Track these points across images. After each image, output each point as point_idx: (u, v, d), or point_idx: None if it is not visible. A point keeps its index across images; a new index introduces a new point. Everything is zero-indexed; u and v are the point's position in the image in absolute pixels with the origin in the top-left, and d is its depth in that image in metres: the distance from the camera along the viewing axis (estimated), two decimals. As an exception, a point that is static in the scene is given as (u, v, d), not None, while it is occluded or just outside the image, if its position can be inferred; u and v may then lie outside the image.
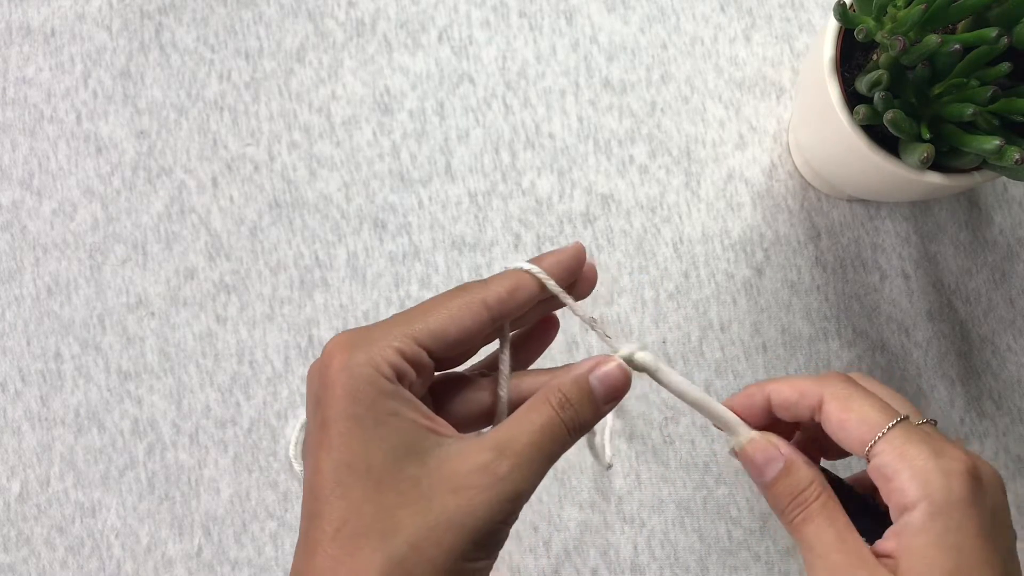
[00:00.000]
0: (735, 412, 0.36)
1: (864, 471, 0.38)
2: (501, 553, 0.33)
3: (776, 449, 0.34)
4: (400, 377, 0.32)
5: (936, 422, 0.35)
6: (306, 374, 0.54)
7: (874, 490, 0.37)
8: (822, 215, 0.54)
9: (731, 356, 0.53)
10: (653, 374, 0.36)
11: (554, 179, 0.55)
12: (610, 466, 0.51)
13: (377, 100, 0.56)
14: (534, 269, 0.35)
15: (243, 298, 0.54)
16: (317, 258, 0.55)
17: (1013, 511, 0.52)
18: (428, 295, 0.54)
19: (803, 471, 0.34)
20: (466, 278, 0.54)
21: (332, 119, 0.56)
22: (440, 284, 0.54)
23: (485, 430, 0.33)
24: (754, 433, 0.35)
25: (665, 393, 0.52)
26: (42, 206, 0.56)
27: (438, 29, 0.56)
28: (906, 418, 0.33)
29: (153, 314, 0.55)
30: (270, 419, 0.54)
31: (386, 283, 0.54)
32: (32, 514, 0.54)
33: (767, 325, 0.53)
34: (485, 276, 0.54)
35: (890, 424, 0.32)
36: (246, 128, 0.56)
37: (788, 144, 0.54)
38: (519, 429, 0.32)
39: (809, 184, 0.54)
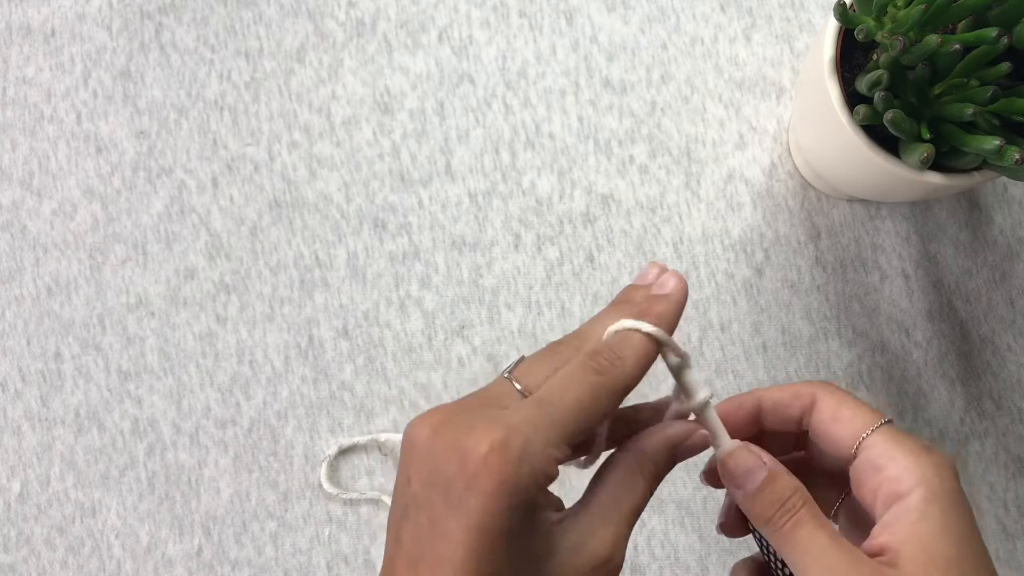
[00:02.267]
0: (721, 418, 0.36)
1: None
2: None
3: (758, 459, 0.34)
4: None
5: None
6: (306, 373, 0.54)
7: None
8: (822, 215, 0.54)
9: (731, 356, 0.53)
10: (698, 412, 0.35)
11: (554, 179, 0.55)
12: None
13: (377, 100, 0.56)
14: (664, 339, 0.32)
15: (243, 298, 0.55)
16: (317, 258, 0.55)
17: (1013, 511, 0.52)
18: (428, 295, 0.54)
19: (787, 479, 0.34)
20: (466, 278, 0.54)
21: (332, 119, 0.56)
22: (440, 284, 0.54)
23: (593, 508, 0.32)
24: (735, 443, 0.35)
25: (665, 393, 0.52)
26: (42, 206, 0.56)
27: (438, 29, 0.56)
28: (891, 421, 0.34)
29: (153, 314, 0.55)
30: (270, 419, 0.54)
31: (386, 283, 0.54)
32: (32, 514, 0.54)
33: (767, 325, 0.53)
34: (485, 277, 0.54)
35: (880, 422, 0.34)
36: (246, 128, 0.56)
37: (788, 144, 0.54)
38: (619, 514, 0.32)
39: (809, 184, 0.54)
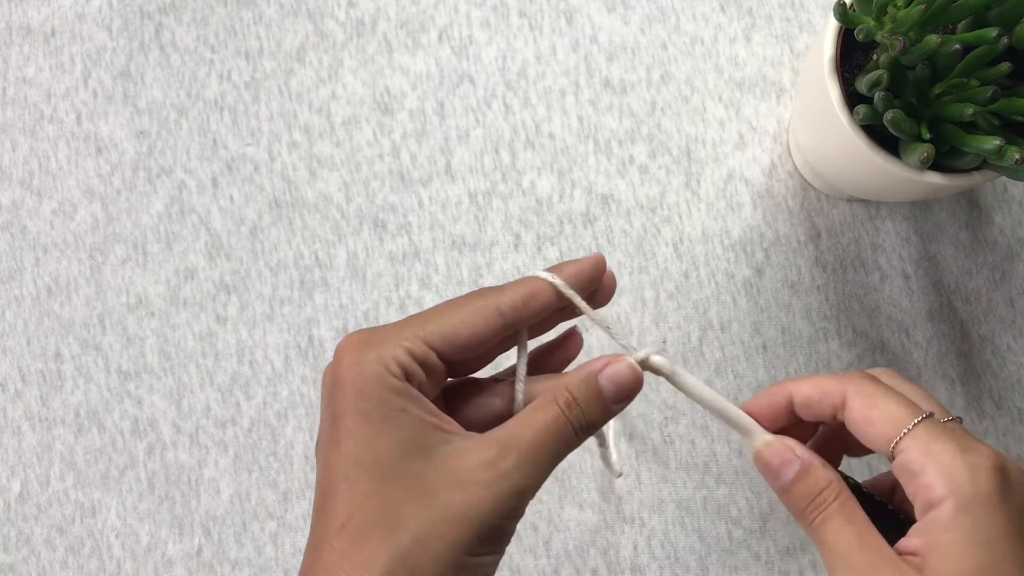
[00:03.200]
0: (755, 413, 0.36)
1: (881, 474, 0.37)
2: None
3: (792, 452, 0.34)
4: (409, 376, 0.32)
5: (962, 419, 0.35)
6: (306, 373, 0.54)
7: (891, 493, 0.37)
8: (822, 215, 0.54)
9: (731, 356, 0.53)
10: (670, 378, 0.36)
11: (554, 179, 0.55)
12: (620, 474, 0.50)
13: (377, 100, 0.56)
14: (551, 277, 0.35)
15: (243, 298, 0.55)
16: (317, 258, 0.55)
17: (1013, 511, 0.52)
18: (428, 295, 0.54)
19: (820, 473, 0.34)
20: (466, 278, 0.54)
21: (332, 119, 0.56)
22: (440, 284, 0.54)
23: (493, 430, 0.33)
24: (769, 436, 0.35)
25: (665, 393, 0.53)
26: (42, 206, 0.56)
27: (438, 29, 0.56)
28: (931, 415, 0.33)
29: (153, 314, 0.55)
30: (270, 419, 0.54)
31: (386, 283, 0.54)
32: (32, 514, 0.54)
33: (767, 325, 0.53)
34: (485, 277, 0.54)
35: (915, 421, 0.32)
36: (246, 128, 0.56)
37: (788, 144, 0.54)
38: (524, 426, 0.32)
39: (809, 184, 0.54)
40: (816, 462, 0.34)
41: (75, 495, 0.54)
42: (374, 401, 0.31)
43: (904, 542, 0.32)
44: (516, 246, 0.54)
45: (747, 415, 0.36)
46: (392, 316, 0.54)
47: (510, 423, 0.33)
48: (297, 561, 0.53)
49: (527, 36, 0.56)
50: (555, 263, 0.54)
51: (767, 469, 0.35)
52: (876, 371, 0.36)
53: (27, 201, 0.56)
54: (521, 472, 0.31)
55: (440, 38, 0.56)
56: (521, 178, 0.55)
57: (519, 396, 0.35)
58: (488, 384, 0.36)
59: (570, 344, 0.39)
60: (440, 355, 0.33)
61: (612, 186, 0.54)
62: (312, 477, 0.53)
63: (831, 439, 0.38)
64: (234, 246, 0.55)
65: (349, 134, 0.55)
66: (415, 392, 0.32)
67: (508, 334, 0.35)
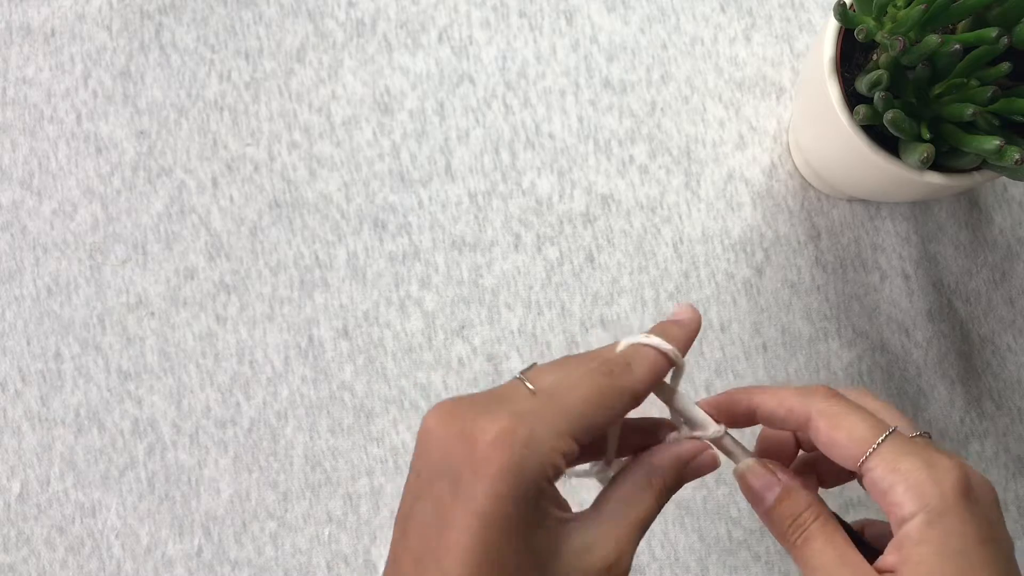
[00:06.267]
0: (710, 409, 0.36)
1: (866, 521, 0.38)
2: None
3: (773, 475, 0.35)
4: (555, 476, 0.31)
5: (930, 435, 0.35)
6: (306, 374, 0.54)
7: (862, 532, 0.37)
8: (822, 215, 0.54)
9: (731, 356, 0.53)
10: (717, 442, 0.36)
11: (554, 179, 0.55)
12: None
13: (377, 100, 0.56)
14: (673, 353, 0.34)
15: (243, 298, 0.55)
16: (317, 258, 0.55)
17: (1013, 511, 0.52)
18: (428, 295, 0.54)
19: (801, 495, 0.34)
20: (466, 278, 0.54)
21: (332, 119, 0.56)
22: (440, 284, 0.54)
23: (600, 515, 0.33)
24: (751, 460, 0.36)
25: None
26: (42, 206, 0.56)
27: (438, 29, 0.56)
28: (895, 430, 0.33)
29: (153, 314, 0.55)
30: (270, 419, 0.54)
31: (386, 283, 0.54)
32: (32, 514, 0.54)
33: (767, 325, 0.53)
34: (484, 277, 0.54)
35: (880, 439, 0.32)
36: (246, 128, 0.56)
37: (788, 144, 0.54)
38: (627, 522, 0.32)
39: (809, 184, 0.54)
40: (797, 484, 0.35)
41: (75, 495, 0.54)
42: (526, 509, 0.29)
43: (881, 560, 0.32)
44: (516, 246, 0.54)
45: (735, 440, 0.36)
46: (392, 316, 0.54)
47: (613, 511, 0.33)
48: (297, 561, 0.53)
49: (527, 36, 0.56)
50: (555, 263, 0.54)
51: (749, 492, 0.35)
52: (841, 389, 0.36)
53: (27, 201, 0.56)
54: (628, 564, 0.32)
55: (440, 38, 0.56)
56: (521, 178, 0.55)
57: (609, 472, 0.35)
58: None
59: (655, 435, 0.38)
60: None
61: (612, 186, 0.54)
62: (312, 477, 0.53)
63: (803, 471, 0.38)
64: (234, 246, 0.55)
65: (349, 134, 0.55)
66: (555, 491, 0.31)
67: None
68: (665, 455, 0.34)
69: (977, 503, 0.31)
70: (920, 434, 0.35)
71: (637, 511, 0.33)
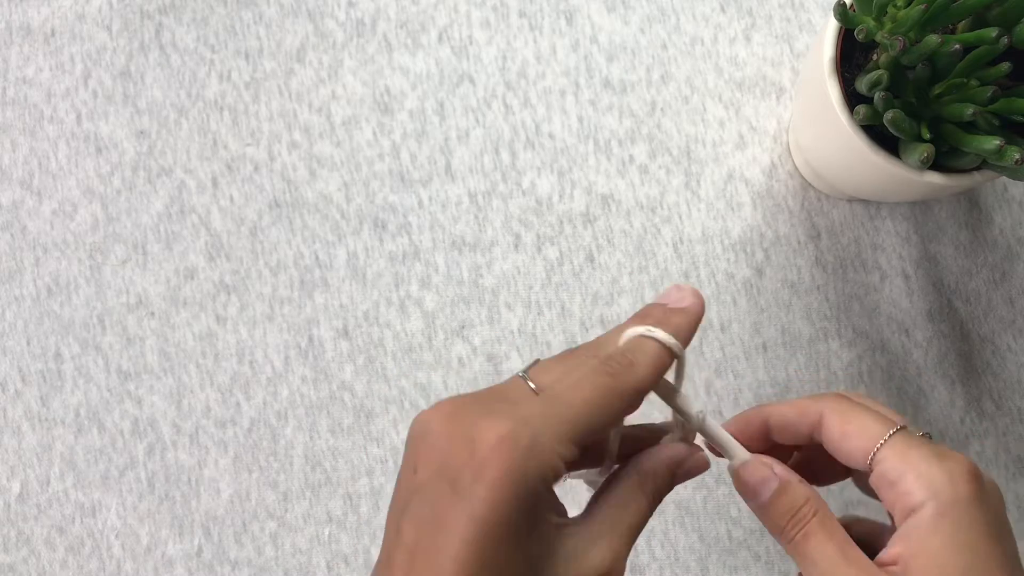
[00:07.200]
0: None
1: (853, 518, 0.38)
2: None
3: (769, 470, 0.34)
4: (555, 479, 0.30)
5: (931, 436, 0.35)
6: (306, 374, 0.54)
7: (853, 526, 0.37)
8: (822, 215, 0.54)
9: (731, 356, 0.53)
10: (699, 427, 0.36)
11: (554, 179, 0.55)
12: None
13: (377, 100, 0.56)
14: (676, 347, 0.33)
15: (243, 298, 0.55)
16: (317, 258, 0.55)
17: (1013, 511, 0.52)
18: (428, 295, 0.54)
19: (799, 489, 0.34)
20: (466, 278, 0.54)
21: (332, 119, 0.56)
22: (440, 284, 0.54)
23: (596, 518, 0.33)
24: (746, 456, 0.35)
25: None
26: (42, 206, 0.56)
27: (438, 29, 0.56)
28: (904, 427, 0.33)
29: (153, 314, 0.55)
30: (270, 419, 0.54)
31: (386, 283, 0.54)
32: (32, 514, 0.54)
33: (767, 325, 0.53)
34: (484, 277, 0.54)
35: (891, 432, 0.33)
36: (246, 128, 0.56)
37: (788, 144, 0.54)
38: (621, 528, 0.32)
39: (809, 184, 0.54)
40: (794, 479, 0.34)
41: (75, 495, 0.54)
42: (524, 515, 0.28)
43: (884, 553, 0.32)
44: (516, 246, 0.54)
45: (729, 435, 0.36)
46: (392, 316, 0.54)
47: (606, 516, 0.32)
48: (297, 561, 0.53)
49: (527, 36, 0.56)
50: (555, 263, 0.54)
51: (745, 488, 0.35)
52: (847, 392, 0.37)
53: (27, 201, 0.56)
54: (622, 570, 0.31)
55: (440, 38, 0.56)
56: (521, 178, 0.55)
57: (600, 477, 0.35)
58: None
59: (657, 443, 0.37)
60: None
61: (612, 186, 0.54)
62: (312, 477, 0.53)
63: (800, 469, 0.38)
64: (234, 246, 0.55)
65: (349, 134, 0.55)
66: (554, 496, 0.31)
67: None
68: (657, 459, 0.34)
69: (987, 497, 0.31)
70: (922, 434, 0.35)
71: (630, 516, 0.32)
